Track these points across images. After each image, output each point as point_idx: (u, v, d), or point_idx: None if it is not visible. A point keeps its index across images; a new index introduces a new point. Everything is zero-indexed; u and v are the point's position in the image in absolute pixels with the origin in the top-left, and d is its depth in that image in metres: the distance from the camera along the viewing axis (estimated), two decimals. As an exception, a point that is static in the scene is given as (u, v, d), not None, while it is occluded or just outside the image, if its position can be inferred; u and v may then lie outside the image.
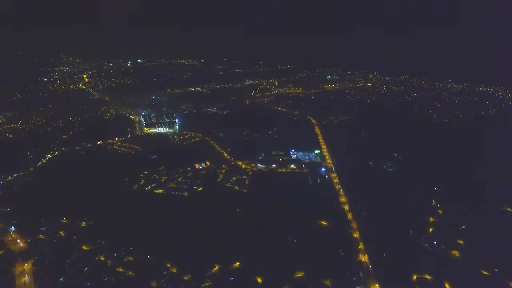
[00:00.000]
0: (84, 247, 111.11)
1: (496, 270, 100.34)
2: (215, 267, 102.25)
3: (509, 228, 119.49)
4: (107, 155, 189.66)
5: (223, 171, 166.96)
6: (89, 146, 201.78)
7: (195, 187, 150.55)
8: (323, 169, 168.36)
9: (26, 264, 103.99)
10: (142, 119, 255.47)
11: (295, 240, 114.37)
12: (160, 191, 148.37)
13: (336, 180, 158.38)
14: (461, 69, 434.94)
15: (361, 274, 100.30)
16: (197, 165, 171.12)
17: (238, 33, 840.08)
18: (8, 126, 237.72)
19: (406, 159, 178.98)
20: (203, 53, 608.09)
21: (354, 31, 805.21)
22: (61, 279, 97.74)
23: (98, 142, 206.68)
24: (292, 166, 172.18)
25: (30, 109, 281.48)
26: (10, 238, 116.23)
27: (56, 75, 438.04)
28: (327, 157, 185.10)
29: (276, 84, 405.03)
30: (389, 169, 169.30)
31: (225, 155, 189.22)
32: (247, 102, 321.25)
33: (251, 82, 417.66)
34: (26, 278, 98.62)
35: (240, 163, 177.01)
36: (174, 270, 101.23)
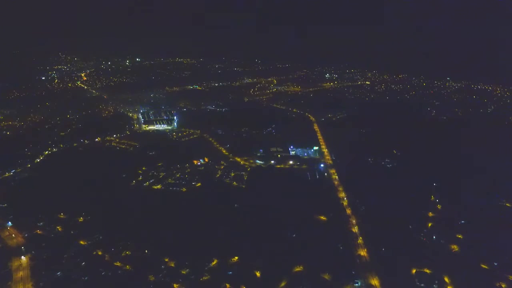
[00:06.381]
0: (81, 242, 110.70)
1: (495, 264, 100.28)
2: (213, 261, 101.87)
3: (507, 223, 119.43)
4: (105, 151, 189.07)
5: (222, 167, 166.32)
6: (87, 142, 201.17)
7: (193, 183, 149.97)
8: (322, 165, 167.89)
9: (23, 258, 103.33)
10: (140, 116, 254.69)
11: (294, 235, 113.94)
12: (159, 186, 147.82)
13: (335, 176, 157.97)
14: (460, 67, 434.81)
15: (360, 268, 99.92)
16: (195, 161, 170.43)
17: (237, 32, 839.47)
18: (6, 124, 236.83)
19: (405, 155, 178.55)
20: (202, 52, 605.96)
21: (354, 30, 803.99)
22: (58, 273, 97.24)
23: (96, 139, 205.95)
24: (291, 162, 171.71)
25: (28, 107, 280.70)
26: (7, 233, 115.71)
27: (54, 74, 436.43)
28: (326, 154, 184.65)
29: (275, 82, 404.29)
30: (388, 165, 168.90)
31: (224, 151, 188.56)
32: (246, 100, 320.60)
33: (249, 80, 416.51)
34: (23, 273, 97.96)
35: (238, 159, 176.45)
36: (172, 265, 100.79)
